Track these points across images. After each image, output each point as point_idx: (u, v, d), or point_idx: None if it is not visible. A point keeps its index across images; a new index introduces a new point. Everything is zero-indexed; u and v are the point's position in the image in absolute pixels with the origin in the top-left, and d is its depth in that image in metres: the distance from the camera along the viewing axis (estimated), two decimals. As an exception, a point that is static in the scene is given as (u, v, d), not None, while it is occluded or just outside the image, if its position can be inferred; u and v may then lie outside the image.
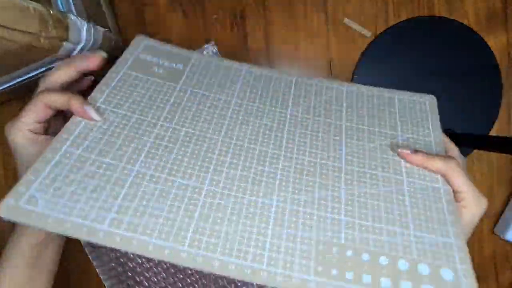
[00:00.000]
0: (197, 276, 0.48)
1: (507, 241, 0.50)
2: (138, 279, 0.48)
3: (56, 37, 0.34)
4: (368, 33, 0.48)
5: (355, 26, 0.46)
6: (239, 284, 0.48)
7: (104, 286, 0.48)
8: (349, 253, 0.27)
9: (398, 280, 0.26)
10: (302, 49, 0.50)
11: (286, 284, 0.25)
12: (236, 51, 0.49)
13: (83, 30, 0.37)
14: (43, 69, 0.40)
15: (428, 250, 0.27)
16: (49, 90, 0.31)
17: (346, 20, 0.48)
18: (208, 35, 0.46)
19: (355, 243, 0.27)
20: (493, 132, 0.50)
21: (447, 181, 0.31)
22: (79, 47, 0.38)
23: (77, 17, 0.36)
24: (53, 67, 0.40)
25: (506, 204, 0.50)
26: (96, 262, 0.49)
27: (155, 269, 0.48)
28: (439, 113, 0.47)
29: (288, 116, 0.35)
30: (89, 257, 0.48)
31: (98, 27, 0.40)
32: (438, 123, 0.37)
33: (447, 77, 0.49)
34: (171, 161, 0.30)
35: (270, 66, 0.50)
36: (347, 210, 0.29)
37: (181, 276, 0.48)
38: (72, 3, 0.39)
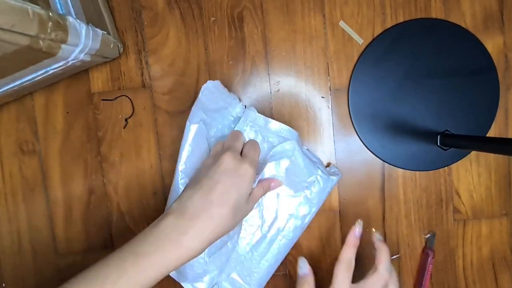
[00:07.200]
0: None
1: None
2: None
3: (55, 39, 0.34)
4: (360, 40, 0.48)
5: (349, 30, 0.46)
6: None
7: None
8: None
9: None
10: (300, 51, 0.50)
11: None
12: (234, 54, 0.49)
13: (82, 33, 0.37)
14: (42, 71, 0.40)
15: None
16: None
17: (341, 23, 0.48)
18: (206, 38, 0.46)
19: None
20: (490, 134, 0.50)
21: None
22: (78, 49, 0.38)
23: (76, 20, 0.37)
24: (51, 70, 0.40)
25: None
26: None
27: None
28: (439, 114, 0.49)
29: None
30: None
31: (97, 29, 0.41)
32: None
33: (445, 79, 0.49)
34: None
35: (268, 69, 0.50)
36: None
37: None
38: (71, 5, 0.39)
